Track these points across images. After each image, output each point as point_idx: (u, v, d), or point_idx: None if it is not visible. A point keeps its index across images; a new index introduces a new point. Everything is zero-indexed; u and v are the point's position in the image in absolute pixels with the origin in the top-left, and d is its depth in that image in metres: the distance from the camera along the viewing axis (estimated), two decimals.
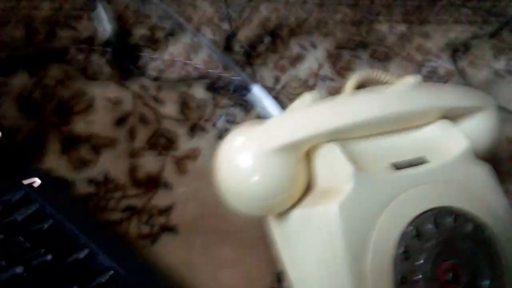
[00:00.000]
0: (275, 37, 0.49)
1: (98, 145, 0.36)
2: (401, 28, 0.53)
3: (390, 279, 0.22)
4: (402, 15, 0.55)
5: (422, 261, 0.23)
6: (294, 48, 0.48)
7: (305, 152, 0.26)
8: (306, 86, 0.44)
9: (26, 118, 0.37)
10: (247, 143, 0.25)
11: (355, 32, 0.51)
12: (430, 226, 0.24)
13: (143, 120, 0.38)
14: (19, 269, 0.26)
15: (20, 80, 0.39)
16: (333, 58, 0.48)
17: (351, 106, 0.25)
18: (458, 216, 0.24)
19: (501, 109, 0.45)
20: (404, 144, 0.26)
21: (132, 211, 0.32)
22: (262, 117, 0.40)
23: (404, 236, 0.23)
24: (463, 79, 0.48)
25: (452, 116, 0.28)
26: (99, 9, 0.45)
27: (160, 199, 0.33)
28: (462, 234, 0.24)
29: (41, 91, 0.39)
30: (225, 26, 0.48)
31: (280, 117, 0.27)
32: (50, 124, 0.37)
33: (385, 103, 0.25)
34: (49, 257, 0.28)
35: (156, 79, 0.41)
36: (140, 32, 0.46)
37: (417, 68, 0.49)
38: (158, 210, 0.33)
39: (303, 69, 0.46)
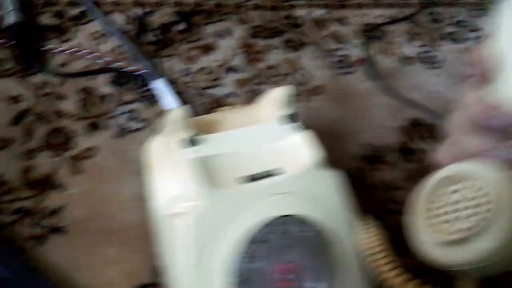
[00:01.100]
0: (190, 22, 0.49)
1: None
2: (320, 12, 0.54)
3: (235, 281, 0.25)
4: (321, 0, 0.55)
5: (265, 263, 0.26)
6: (209, 35, 0.48)
7: None
8: (215, 78, 0.45)
9: None
10: None
11: (273, 18, 0.52)
12: (274, 232, 0.26)
13: (41, 118, 0.39)
14: None
15: None
16: (247, 47, 0.48)
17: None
18: (302, 222, 0.27)
19: (398, 96, 0.47)
20: (261, 156, 0.28)
21: (24, 213, 0.34)
22: (165, 112, 0.41)
23: (250, 242, 0.26)
24: (370, 67, 0.50)
25: None
26: None
27: (53, 200, 0.35)
28: (304, 239, 0.27)
29: None
30: (137, 11, 0.48)
31: None
32: None
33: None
34: None
35: (58, 73, 0.41)
36: (46, 20, 0.45)
37: (328, 56, 0.50)
38: (49, 211, 0.34)
39: (215, 59, 0.47)
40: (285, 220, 0.26)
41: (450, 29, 0.57)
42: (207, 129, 0.30)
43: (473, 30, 0.57)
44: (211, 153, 0.27)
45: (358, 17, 0.54)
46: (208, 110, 0.42)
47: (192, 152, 0.27)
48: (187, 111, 0.29)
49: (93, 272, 0.32)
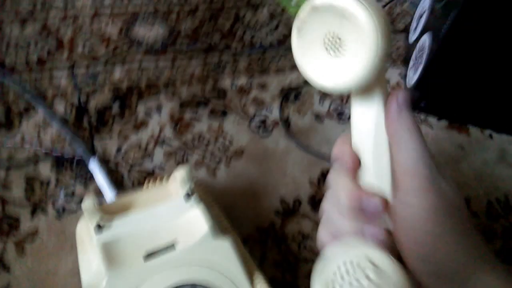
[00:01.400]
0: (124, 103, 0.56)
1: None
2: (242, 81, 0.61)
3: None
4: (245, 68, 0.63)
5: None
6: (140, 112, 0.55)
7: None
8: (145, 153, 0.52)
9: None
10: None
11: (199, 90, 0.59)
12: None
13: None
14: None
15: None
16: (175, 119, 0.55)
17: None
18: (195, 287, 0.33)
19: (311, 151, 0.54)
20: (160, 233, 0.34)
21: None
22: (99, 190, 0.47)
23: None
24: (286, 127, 0.57)
25: None
26: None
27: (0, 280, 0.40)
28: None
29: None
30: (77, 98, 0.55)
31: None
32: None
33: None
34: None
35: (3, 165, 0.48)
36: None
37: (249, 121, 0.57)
38: None
39: (145, 134, 0.53)
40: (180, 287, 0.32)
41: None
42: (121, 210, 0.37)
43: None
44: (116, 236, 0.34)
45: (277, 81, 0.62)
46: (138, 184, 0.49)
47: (99, 237, 0.33)
48: (93, 201, 0.35)
49: None
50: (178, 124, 0.55)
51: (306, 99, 0.61)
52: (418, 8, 0.70)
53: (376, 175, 0.26)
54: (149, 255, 0.33)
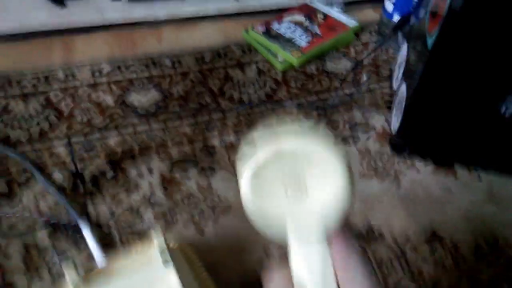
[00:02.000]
0: (118, 167, 0.59)
1: None
2: (231, 138, 0.64)
3: None
4: (234, 125, 0.66)
5: None
6: (133, 175, 0.58)
7: None
8: (138, 215, 0.54)
9: None
10: None
11: (190, 149, 0.62)
12: None
13: None
14: None
15: None
16: (165, 181, 0.58)
17: None
18: None
19: None
20: None
21: None
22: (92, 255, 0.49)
23: None
24: None
25: None
26: None
27: None
28: None
29: None
30: (72, 166, 0.58)
31: None
32: None
33: None
34: None
35: (4, 235, 0.51)
36: None
37: (236, 178, 0.59)
38: None
39: (137, 196, 0.56)
40: None
41: (346, 133, 0.66)
42: (103, 277, 0.39)
43: (368, 129, 0.67)
44: None
45: None
46: (130, 244, 0.51)
47: None
48: (74, 273, 0.37)
49: None
50: (169, 184, 0.58)
51: None
52: (398, 57, 0.73)
53: None
54: None
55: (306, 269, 0.24)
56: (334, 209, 0.22)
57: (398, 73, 0.71)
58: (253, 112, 0.68)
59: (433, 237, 0.54)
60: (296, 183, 0.23)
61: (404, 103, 0.61)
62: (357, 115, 0.69)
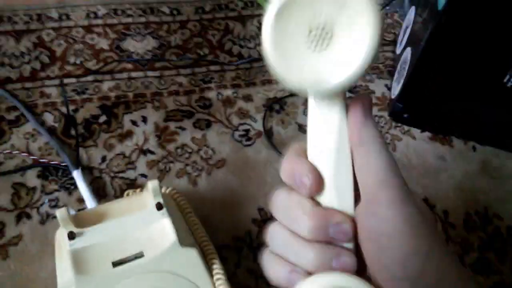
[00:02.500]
0: (111, 114, 0.58)
1: None
2: (228, 92, 0.63)
3: None
4: (232, 79, 0.64)
5: None
6: (127, 123, 0.57)
7: None
8: (129, 162, 0.53)
9: None
10: None
11: (185, 102, 0.61)
12: None
13: None
14: None
15: None
16: (159, 131, 0.57)
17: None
18: None
19: None
20: (128, 242, 0.36)
21: None
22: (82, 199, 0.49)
23: None
24: (268, 138, 0.58)
25: None
26: None
27: None
28: None
29: None
30: (65, 109, 0.57)
31: None
32: None
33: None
34: None
35: None
36: None
37: (232, 131, 0.58)
38: None
39: (130, 145, 0.55)
40: None
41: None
42: (96, 219, 0.38)
43: (368, 93, 0.66)
44: (87, 244, 0.35)
45: (263, 93, 0.63)
46: (121, 192, 0.50)
47: (71, 244, 0.35)
48: (67, 210, 0.36)
49: None
50: (163, 134, 0.57)
51: (290, 110, 0.62)
52: (404, 21, 0.71)
53: (337, 192, 0.22)
54: (117, 263, 0.35)
55: (321, 133, 0.23)
56: (359, 63, 0.20)
57: (402, 38, 0.69)
58: (252, 67, 0.66)
59: (424, 203, 0.54)
60: (322, 28, 0.20)
61: (407, 69, 0.59)
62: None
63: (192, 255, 0.36)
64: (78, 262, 0.34)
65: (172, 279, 0.35)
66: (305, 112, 0.62)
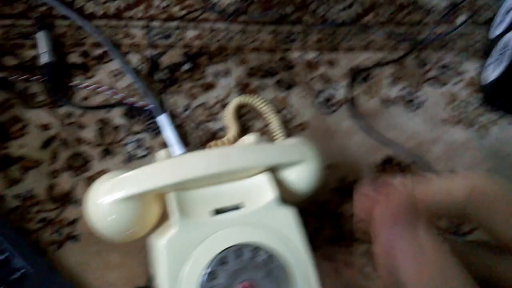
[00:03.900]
0: (194, 64, 0.56)
1: (26, 166, 0.45)
2: (311, 55, 0.60)
3: None
4: (315, 42, 0.62)
5: (223, 281, 0.33)
6: (210, 74, 0.56)
7: (154, 196, 0.35)
8: (211, 112, 0.53)
9: None
10: (105, 192, 0.34)
11: (268, 59, 0.59)
12: (233, 256, 0.33)
13: (64, 143, 0.47)
14: None
15: None
16: (241, 86, 0.56)
17: (182, 166, 0.34)
18: (257, 248, 0.33)
19: (376, 135, 0.53)
20: (228, 193, 0.35)
21: (47, 222, 0.42)
22: (166, 142, 0.49)
23: (211, 263, 0.33)
24: (352, 107, 0.56)
25: (275, 168, 0.37)
26: (39, 38, 0.52)
27: (70, 212, 0.43)
28: (258, 262, 0.33)
29: None
30: (151, 51, 0.56)
31: (133, 171, 0.34)
32: None
33: (209, 164, 0.34)
34: None
35: (80, 106, 0.50)
36: (73, 59, 0.54)
37: (315, 96, 0.56)
38: (67, 221, 0.42)
39: (213, 96, 0.54)
40: (242, 246, 0.33)
41: (433, 73, 0.62)
42: None
43: (457, 74, 0.62)
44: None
45: (347, 60, 0.61)
46: (203, 142, 0.50)
47: None
48: (168, 153, 0.36)
49: (99, 274, 0.40)
50: (244, 90, 0.55)
51: (375, 82, 0.59)
52: (504, 3, 0.66)
53: None
54: (216, 212, 0.34)
55: None
56: None
57: (501, 20, 0.64)
58: (337, 32, 0.63)
59: None
60: None
61: (508, 55, 0.55)
62: (448, 57, 0.64)
63: (290, 213, 0.35)
64: (182, 205, 0.34)
65: (269, 233, 0.34)
66: (390, 86, 0.59)
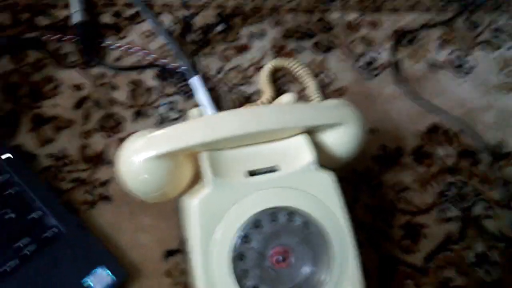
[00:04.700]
0: (228, 24, 0.54)
1: (59, 126, 0.45)
2: (353, 16, 0.56)
3: (230, 256, 0.31)
4: (357, 2, 0.57)
5: (257, 244, 0.31)
6: (244, 36, 0.53)
7: (187, 156, 0.33)
8: (245, 76, 0.50)
9: (5, 99, 0.46)
10: (137, 150, 0.33)
11: (305, 20, 0.55)
12: (268, 219, 0.31)
13: (97, 104, 0.46)
14: None
15: (3, 64, 0.48)
16: (277, 47, 0.53)
17: (216, 125, 0.32)
18: (293, 213, 0.32)
19: (421, 101, 0.50)
20: (263, 154, 0.33)
21: (79, 182, 0.42)
22: (198, 105, 0.47)
23: (245, 225, 0.31)
24: (395, 72, 0.52)
25: (312, 130, 0.34)
26: None
27: (103, 173, 0.42)
28: (293, 227, 0.32)
29: (19, 75, 0.47)
30: (184, 12, 0.54)
31: (165, 130, 0.33)
32: (24, 105, 0.46)
33: (244, 123, 0.32)
34: (13, 215, 0.38)
35: (113, 66, 0.49)
36: (105, 19, 0.52)
37: (354, 60, 0.53)
38: (99, 182, 0.42)
39: (247, 58, 0.52)
40: (277, 210, 0.31)
41: (486, 36, 0.57)
42: None
43: (510, 37, 0.57)
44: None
45: (391, 21, 0.56)
46: (236, 106, 0.48)
47: None
48: (201, 111, 0.34)
49: (130, 235, 0.39)
50: (280, 53, 0.52)
51: (421, 45, 0.55)
52: None
53: None
54: (251, 173, 0.33)
55: None
56: None
57: None
58: None
59: None
60: None
61: None
62: (502, 19, 0.58)
63: (329, 178, 0.33)
64: (215, 165, 0.32)
65: (306, 198, 0.32)
66: (438, 49, 0.55)
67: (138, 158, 0.32)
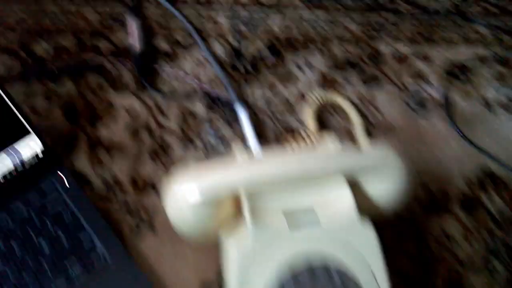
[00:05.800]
0: (276, 55, 0.54)
1: (113, 150, 0.47)
2: (402, 48, 0.55)
3: None
4: (409, 33, 0.56)
5: None
6: (291, 67, 0.54)
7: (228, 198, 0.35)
8: (290, 107, 0.51)
9: (67, 122, 0.48)
10: (184, 195, 0.34)
11: (354, 51, 0.55)
12: (305, 274, 0.32)
13: (149, 131, 0.48)
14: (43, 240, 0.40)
15: (66, 88, 0.51)
16: (323, 80, 0.53)
17: (264, 171, 0.33)
18: (331, 270, 0.32)
19: (472, 143, 0.48)
20: (300, 193, 0.34)
21: (127, 208, 0.44)
22: (244, 136, 0.48)
23: (281, 276, 0.31)
24: (447, 109, 0.50)
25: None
26: (129, 23, 0.54)
27: (150, 201, 0.44)
28: (331, 285, 0.32)
29: (80, 99, 0.50)
30: (234, 41, 0.55)
31: (213, 172, 0.34)
32: (81, 127, 0.48)
33: (291, 169, 0.32)
34: (63, 235, 0.41)
35: (165, 93, 0.51)
36: (160, 46, 0.54)
37: (404, 95, 0.52)
38: (146, 210, 0.44)
39: (292, 90, 0.52)
40: (315, 265, 0.32)
41: None
42: None
43: None
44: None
45: (442, 55, 0.55)
46: (279, 137, 0.48)
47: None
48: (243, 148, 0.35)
49: (171, 266, 0.41)
50: (327, 84, 0.52)
51: (477, 81, 0.53)
52: None
53: None
54: (290, 222, 0.33)
55: None
56: None
57: None
58: (434, 23, 0.57)
59: None
60: None
61: None
62: None
63: (371, 232, 0.33)
64: (252, 201, 0.33)
65: (347, 254, 0.32)
66: (495, 86, 0.52)
67: (185, 203, 0.33)
